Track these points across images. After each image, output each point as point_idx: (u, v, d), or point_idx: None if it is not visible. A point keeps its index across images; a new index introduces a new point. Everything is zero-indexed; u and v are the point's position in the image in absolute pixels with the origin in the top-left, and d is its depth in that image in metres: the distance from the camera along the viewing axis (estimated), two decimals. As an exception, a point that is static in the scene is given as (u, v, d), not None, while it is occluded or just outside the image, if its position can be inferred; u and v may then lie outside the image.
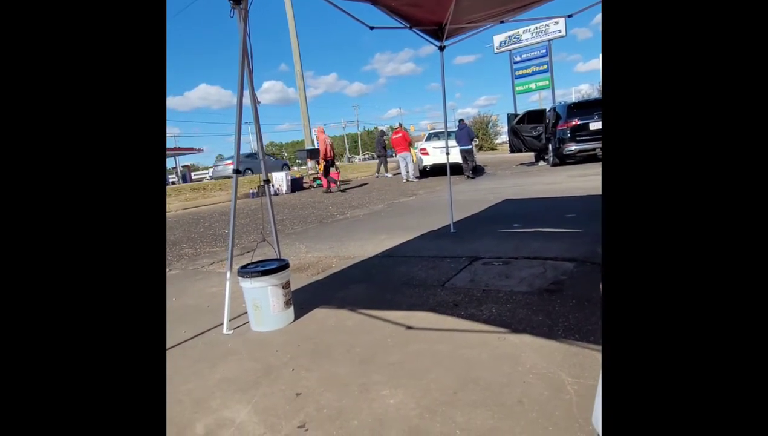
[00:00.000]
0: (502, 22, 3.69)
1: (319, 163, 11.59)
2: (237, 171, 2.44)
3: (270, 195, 2.72)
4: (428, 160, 12.95)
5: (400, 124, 14.56)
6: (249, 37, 2.29)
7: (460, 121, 12.64)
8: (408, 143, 12.91)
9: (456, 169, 12.21)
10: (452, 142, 12.21)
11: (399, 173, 13.68)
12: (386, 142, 15.10)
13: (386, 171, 15.05)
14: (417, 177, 12.85)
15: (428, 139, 13.70)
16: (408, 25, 3.61)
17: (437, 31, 3.87)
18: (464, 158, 11.60)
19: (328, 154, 11.37)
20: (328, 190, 11.26)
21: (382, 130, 15.77)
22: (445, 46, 3.98)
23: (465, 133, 11.54)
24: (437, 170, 12.80)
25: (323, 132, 11.73)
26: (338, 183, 11.84)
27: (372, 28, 3.39)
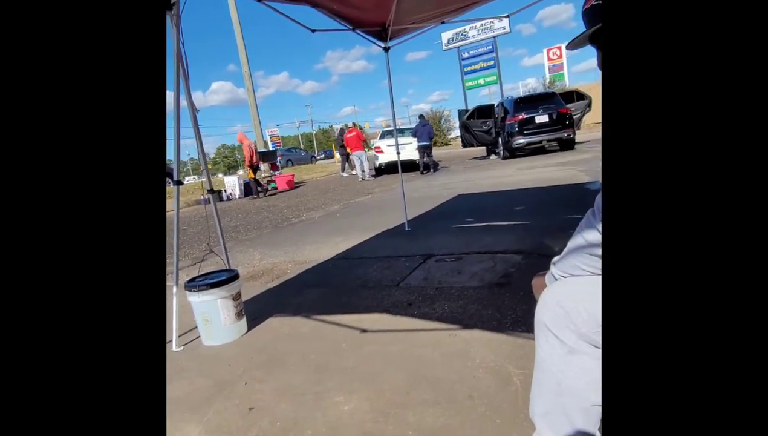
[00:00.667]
0: (443, 22, 3.76)
1: (250, 170, 11.21)
2: (178, 182, 2.36)
3: (215, 205, 2.64)
4: (383, 158, 13.02)
5: (354, 124, 14.53)
6: (183, 44, 2.21)
7: (421, 116, 12.80)
8: (362, 142, 12.91)
9: (411, 166, 12.38)
10: (410, 139, 12.35)
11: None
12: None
13: (351, 169, 14.78)
14: (372, 175, 12.88)
15: (382, 137, 13.76)
16: (351, 27, 3.61)
17: (381, 32, 3.89)
18: (421, 154, 11.76)
19: (254, 160, 11.04)
20: (257, 196, 11.00)
21: (341, 128, 15.60)
22: (389, 47, 4.01)
23: (426, 130, 11.74)
24: (393, 168, 12.88)
25: (246, 137, 11.35)
26: (265, 189, 11.62)
27: (314, 30, 3.36)
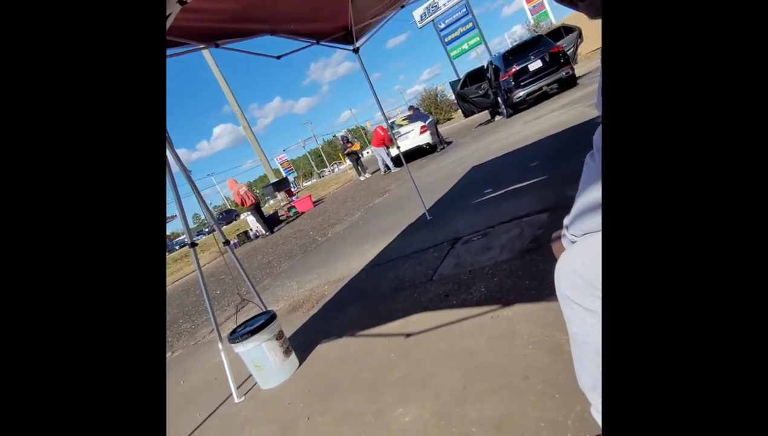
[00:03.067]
0: (402, 6, 3.70)
1: (249, 212, 11.27)
2: (193, 244, 2.41)
3: (234, 254, 2.68)
4: (394, 150, 12.91)
5: (349, 137, 14.66)
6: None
7: (410, 108, 12.82)
8: (383, 140, 12.81)
9: (421, 152, 12.29)
10: (412, 126, 12.27)
11: (377, 171, 13.59)
12: (350, 145, 14.90)
13: (364, 171, 14.80)
14: (394, 167, 12.79)
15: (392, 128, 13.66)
16: (314, 41, 3.59)
17: (346, 36, 3.85)
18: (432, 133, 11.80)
19: (246, 203, 10.89)
20: (271, 232, 10.98)
21: (343, 136, 15.54)
22: (358, 48, 3.97)
23: (416, 116, 11.78)
24: (408, 155, 12.69)
25: (235, 183, 11.24)
26: (286, 218, 11.75)
27: (279, 57, 3.36)
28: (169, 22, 2.00)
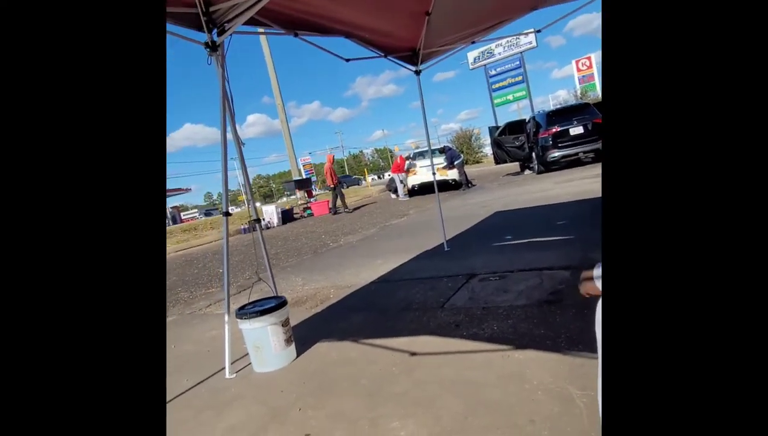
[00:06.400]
0: (473, 42, 3.80)
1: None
2: (227, 213, 2.45)
3: (261, 232, 2.71)
4: (416, 180, 13.02)
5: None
6: (228, 82, 2.33)
7: (444, 147, 13.29)
8: (399, 167, 13.24)
9: (443, 186, 12.43)
10: (441, 160, 12.51)
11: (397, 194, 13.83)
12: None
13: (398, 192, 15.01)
14: (406, 195, 13.05)
15: (413, 158, 13.81)
16: (383, 54, 3.70)
17: (412, 57, 3.97)
18: (460, 171, 12.05)
19: (334, 180, 12.18)
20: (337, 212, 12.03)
21: (409, 157, 15.47)
22: (420, 70, 4.07)
23: (449, 155, 12.22)
24: (426, 189, 12.89)
25: (332, 159, 12.86)
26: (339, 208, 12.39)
27: (348, 60, 3.47)
28: (264, 2, 2.10)
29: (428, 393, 1.81)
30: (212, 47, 2.29)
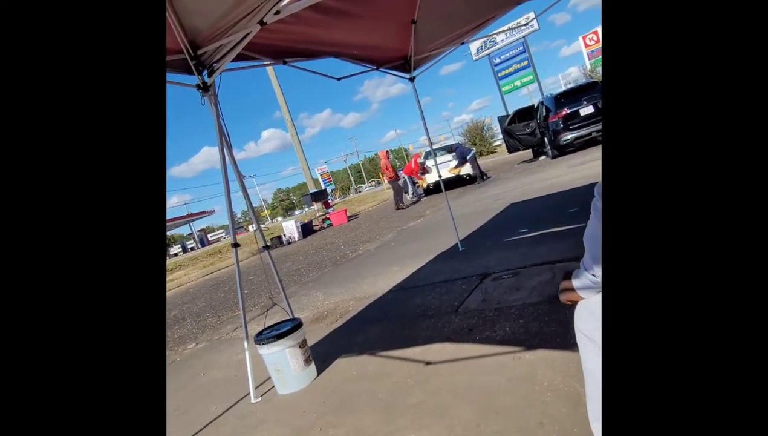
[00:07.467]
0: (463, 43, 3.82)
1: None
2: (235, 244, 2.54)
3: (272, 259, 2.80)
4: (430, 179, 13.03)
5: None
6: (223, 120, 2.43)
7: (453, 145, 13.35)
8: (411, 170, 13.32)
9: (457, 182, 12.44)
10: (450, 157, 12.56)
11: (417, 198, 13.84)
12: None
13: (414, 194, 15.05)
14: (420, 195, 13.12)
15: (426, 157, 13.81)
16: (374, 67, 3.76)
17: (404, 65, 4.01)
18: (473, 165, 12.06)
19: (389, 175, 12.48)
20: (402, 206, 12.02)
21: (423, 162, 15.61)
22: (414, 77, 4.11)
23: (459, 153, 12.21)
24: (445, 184, 12.81)
25: (386, 154, 13.28)
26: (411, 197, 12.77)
27: (339, 78, 3.54)
28: (247, 40, 2.18)
29: (442, 402, 1.85)
30: (204, 88, 2.39)
